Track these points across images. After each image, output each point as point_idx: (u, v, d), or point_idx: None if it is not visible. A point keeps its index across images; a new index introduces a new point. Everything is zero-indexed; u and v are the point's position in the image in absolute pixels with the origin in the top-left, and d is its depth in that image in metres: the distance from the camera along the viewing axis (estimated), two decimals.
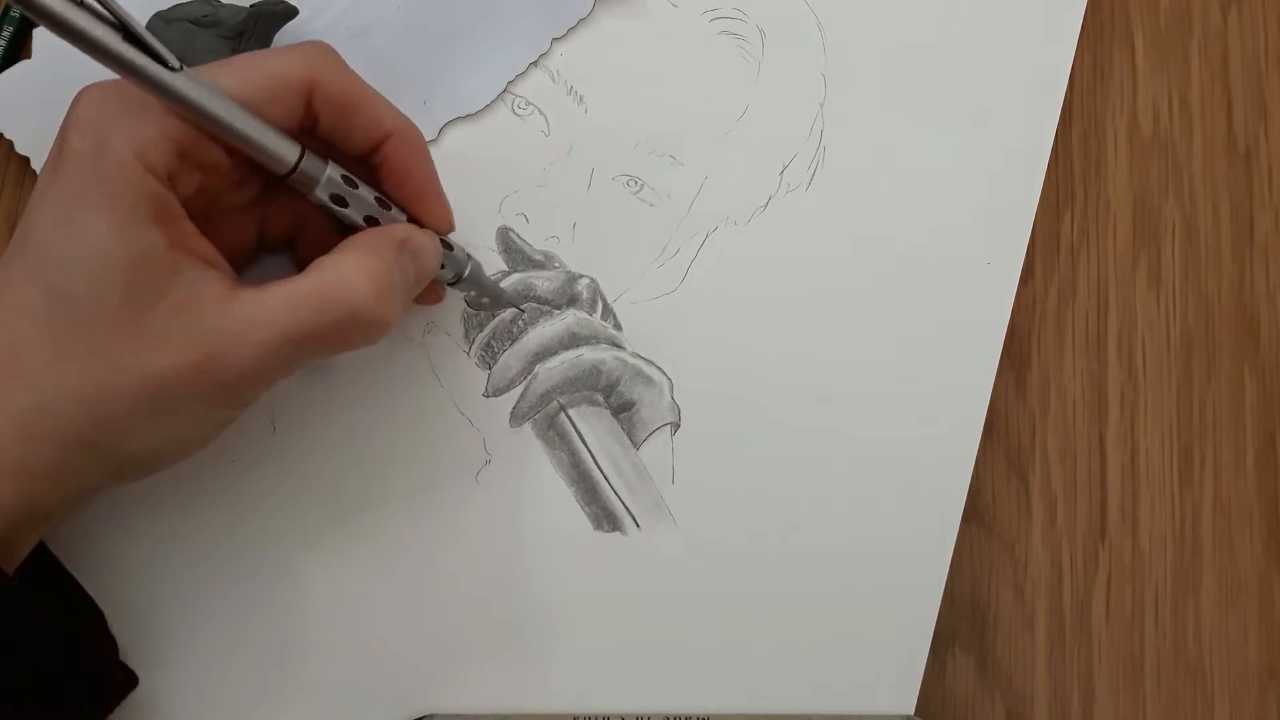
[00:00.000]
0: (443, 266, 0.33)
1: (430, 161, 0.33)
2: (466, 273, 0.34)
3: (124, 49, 0.27)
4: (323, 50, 0.31)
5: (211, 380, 0.29)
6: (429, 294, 0.35)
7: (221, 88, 0.29)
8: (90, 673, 0.31)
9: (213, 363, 0.28)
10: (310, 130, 0.32)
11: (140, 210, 0.28)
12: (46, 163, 0.29)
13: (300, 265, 0.36)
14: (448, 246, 0.34)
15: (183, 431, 0.30)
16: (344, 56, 0.38)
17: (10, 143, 0.38)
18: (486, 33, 0.39)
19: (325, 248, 0.31)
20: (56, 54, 0.38)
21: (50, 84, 0.38)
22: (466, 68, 0.39)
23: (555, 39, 0.39)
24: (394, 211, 0.32)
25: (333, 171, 0.31)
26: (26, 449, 0.28)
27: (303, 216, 0.34)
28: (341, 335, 0.30)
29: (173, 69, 0.28)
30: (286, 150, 0.30)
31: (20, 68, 0.38)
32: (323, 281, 0.30)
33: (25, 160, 0.38)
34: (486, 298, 0.37)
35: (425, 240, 0.32)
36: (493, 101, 0.39)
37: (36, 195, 0.29)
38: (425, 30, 0.39)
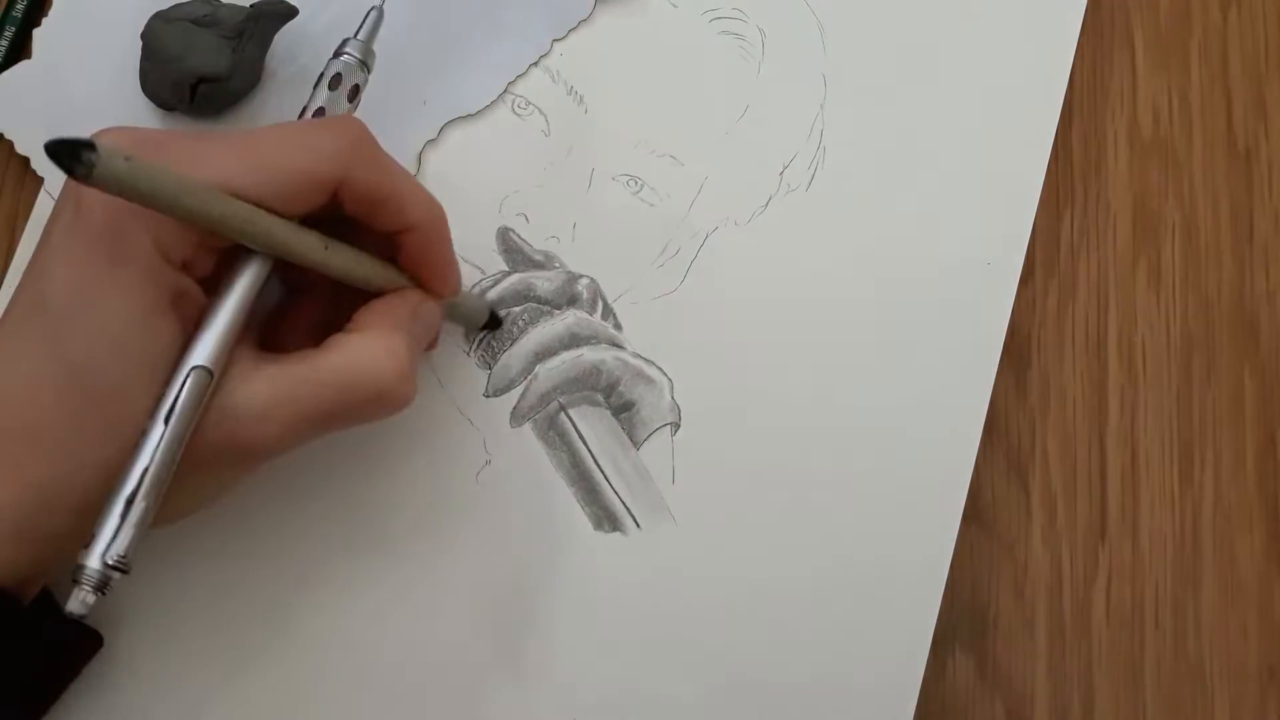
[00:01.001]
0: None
1: (449, 245, 0.33)
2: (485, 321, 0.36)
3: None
4: (356, 141, 0.30)
5: (232, 458, 0.29)
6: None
7: (238, 184, 0.28)
8: (53, 635, 0.31)
9: (234, 442, 0.29)
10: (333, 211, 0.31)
11: (162, 301, 0.28)
12: (57, 216, 0.29)
13: (283, 279, 0.35)
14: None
15: (198, 496, 0.31)
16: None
17: (11, 143, 0.38)
18: (487, 33, 0.39)
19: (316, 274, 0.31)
20: (57, 54, 0.38)
21: (51, 84, 0.38)
22: (467, 68, 0.39)
23: (556, 39, 0.39)
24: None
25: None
26: (45, 516, 0.28)
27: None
28: (364, 414, 0.31)
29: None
30: (315, 251, 0.30)
31: (21, 68, 0.38)
32: (347, 363, 0.30)
33: (25, 160, 0.38)
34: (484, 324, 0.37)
35: (434, 307, 0.33)
36: (493, 102, 0.39)
37: (52, 256, 0.28)
38: (425, 30, 0.39)
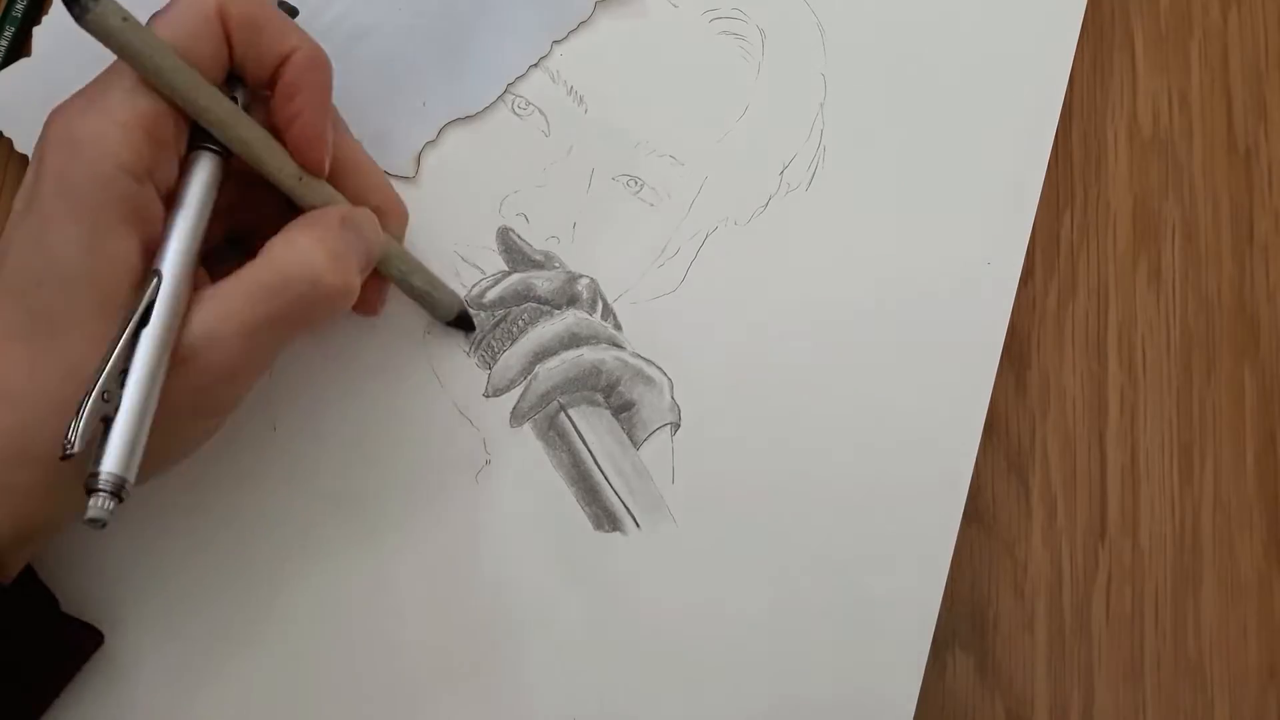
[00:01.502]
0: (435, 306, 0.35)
1: (325, 88, 0.32)
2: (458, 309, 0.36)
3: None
4: None
5: (190, 385, 0.29)
6: (367, 303, 0.35)
7: (162, 39, 0.29)
8: (54, 634, 0.32)
9: (188, 366, 0.29)
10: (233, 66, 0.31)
11: (111, 215, 0.28)
12: (21, 189, 0.29)
13: (234, 240, 0.36)
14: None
15: (166, 441, 0.30)
16: (345, 57, 0.38)
17: (10, 141, 0.38)
18: (487, 34, 0.39)
19: (263, 219, 0.32)
20: (57, 53, 0.38)
21: (51, 83, 0.38)
22: (466, 69, 0.39)
23: (556, 41, 0.39)
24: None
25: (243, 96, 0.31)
26: (13, 469, 0.28)
27: (270, 215, 0.34)
28: (307, 310, 0.30)
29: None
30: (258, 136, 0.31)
31: (21, 66, 0.38)
32: (277, 260, 0.30)
33: (25, 159, 0.38)
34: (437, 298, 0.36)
35: (365, 215, 0.33)
36: (493, 103, 0.39)
37: (13, 219, 0.29)
38: (426, 31, 0.39)
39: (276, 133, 0.32)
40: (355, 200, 0.33)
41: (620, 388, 0.37)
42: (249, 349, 0.29)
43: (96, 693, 0.34)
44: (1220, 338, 0.40)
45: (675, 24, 0.40)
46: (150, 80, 0.29)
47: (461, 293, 0.37)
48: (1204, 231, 0.41)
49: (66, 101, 0.29)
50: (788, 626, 0.36)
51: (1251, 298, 0.40)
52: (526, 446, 0.37)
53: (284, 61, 0.31)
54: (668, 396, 0.37)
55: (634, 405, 0.37)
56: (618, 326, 0.38)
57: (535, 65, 0.39)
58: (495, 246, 0.38)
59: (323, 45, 0.38)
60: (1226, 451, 0.39)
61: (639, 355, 0.38)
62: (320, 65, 0.32)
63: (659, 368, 0.38)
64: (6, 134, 0.38)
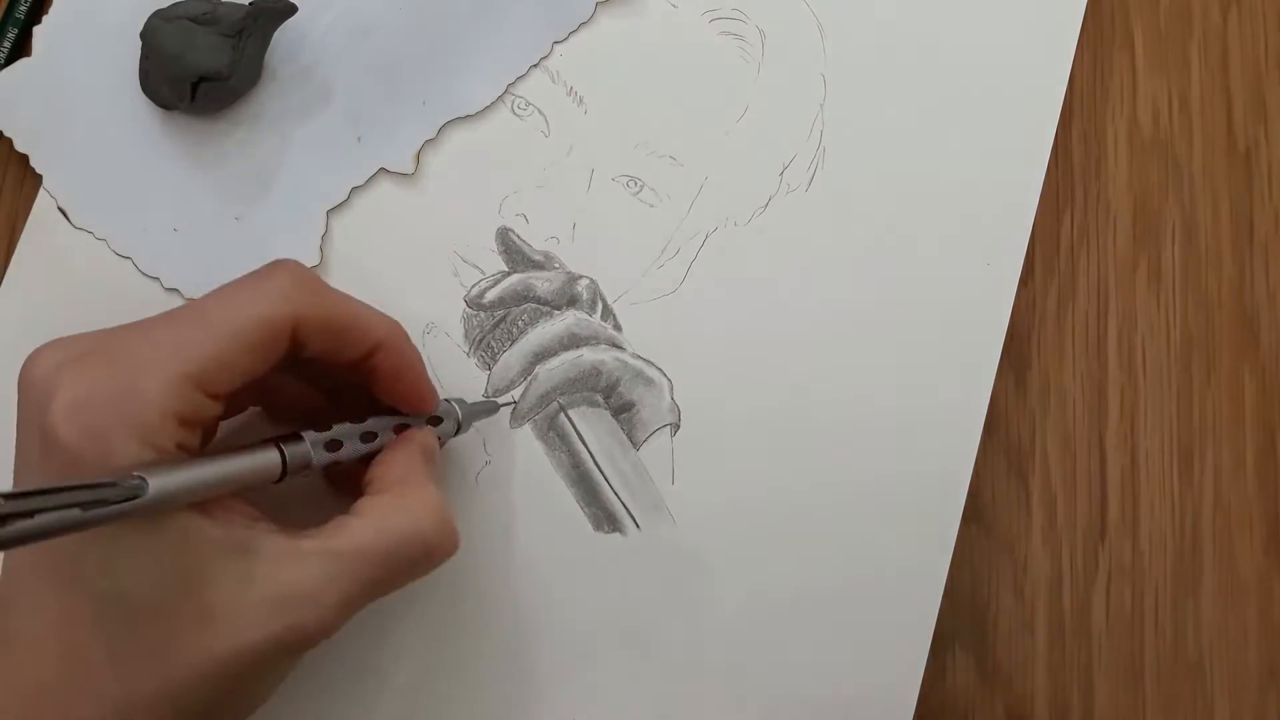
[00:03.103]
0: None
1: (418, 359, 0.32)
2: (463, 425, 0.35)
3: (89, 515, 0.24)
4: (299, 280, 0.30)
5: (294, 647, 0.28)
6: None
7: (195, 354, 0.27)
8: None
9: (294, 633, 0.27)
10: (298, 354, 0.30)
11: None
12: (27, 452, 0.27)
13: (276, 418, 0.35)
14: (435, 420, 0.34)
15: (258, 693, 0.30)
16: (345, 56, 0.39)
17: (10, 140, 0.38)
18: (487, 34, 0.39)
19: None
20: (57, 52, 0.38)
21: (51, 83, 0.38)
22: (467, 69, 0.39)
23: (556, 41, 0.39)
24: (380, 437, 0.32)
25: (317, 450, 0.30)
26: None
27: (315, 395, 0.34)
28: (415, 573, 0.30)
29: (134, 499, 0.25)
30: (268, 463, 0.29)
31: (21, 66, 0.38)
32: (388, 529, 0.29)
33: (25, 158, 0.38)
34: (488, 413, 0.37)
35: (433, 438, 0.33)
36: (493, 103, 0.39)
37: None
38: (426, 31, 0.39)
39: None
40: (401, 394, 0.33)
41: (620, 388, 0.37)
42: (349, 611, 0.29)
43: None
44: (1220, 338, 0.40)
45: (675, 24, 0.40)
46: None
47: (461, 293, 0.37)
48: (1204, 231, 0.41)
49: (57, 350, 0.27)
50: (787, 626, 0.36)
51: (1251, 298, 0.40)
52: (526, 447, 0.37)
53: (370, 354, 0.31)
54: (667, 397, 0.37)
55: (634, 406, 0.37)
56: (618, 327, 0.38)
57: (535, 65, 0.39)
58: (495, 246, 0.38)
59: (323, 45, 0.38)
60: (1226, 451, 0.39)
61: (639, 356, 0.38)
62: (406, 345, 0.32)
63: (659, 368, 0.38)
64: (7, 133, 0.38)
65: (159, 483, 0.25)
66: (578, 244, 0.38)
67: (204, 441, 0.30)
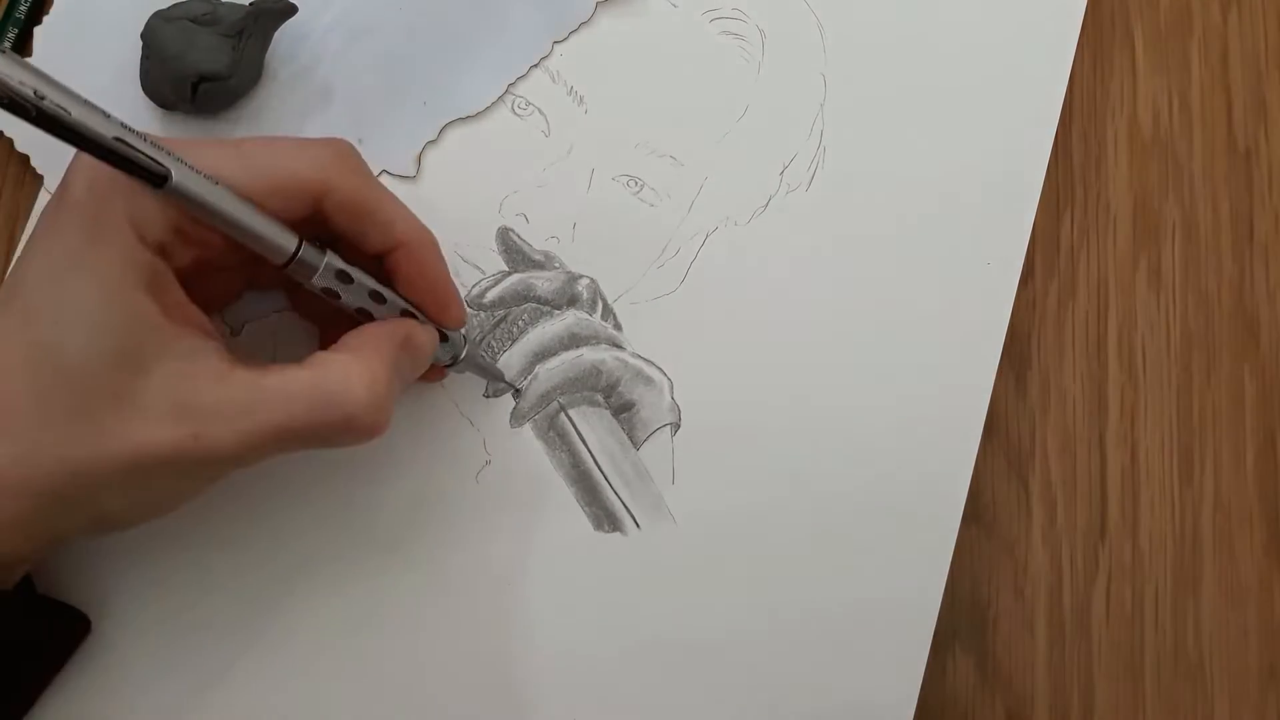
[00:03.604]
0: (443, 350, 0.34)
1: (443, 265, 0.33)
2: (463, 355, 0.35)
3: (118, 147, 0.26)
4: (340, 153, 0.31)
5: (193, 458, 0.28)
6: (429, 373, 0.35)
7: (227, 175, 0.29)
8: (40, 619, 0.32)
9: (197, 442, 0.28)
10: (319, 226, 0.31)
11: (132, 276, 0.28)
12: (47, 207, 0.29)
13: (293, 305, 0.36)
14: (443, 337, 0.34)
15: (156, 496, 0.30)
16: (345, 56, 0.39)
17: (10, 140, 0.38)
18: (487, 34, 0.39)
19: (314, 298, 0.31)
20: (57, 53, 0.38)
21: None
22: (467, 69, 0.39)
23: (556, 41, 0.39)
24: (389, 303, 0.32)
25: (330, 262, 0.30)
26: (7, 500, 0.28)
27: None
28: (331, 436, 0.30)
29: (162, 176, 0.27)
30: (284, 241, 0.30)
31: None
32: (321, 382, 0.29)
33: (25, 158, 0.38)
34: (485, 378, 0.37)
35: (425, 337, 0.32)
36: (493, 103, 0.39)
37: (31, 244, 0.29)
38: (426, 31, 0.39)
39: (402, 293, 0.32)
40: (425, 302, 0.33)
41: (620, 388, 0.37)
42: (258, 446, 0.29)
43: (86, 680, 0.34)
44: (1220, 338, 0.40)
45: (675, 24, 0.40)
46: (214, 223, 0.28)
47: (462, 293, 0.37)
48: (1204, 231, 0.41)
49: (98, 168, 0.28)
50: (787, 627, 0.36)
51: (1251, 298, 0.40)
52: (527, 447, 0.37)
53: (393, 251, 0.31)
54: (668, 397, 0.37)
55: (634, 405, 0.37)
56: (618, 327, 0.38)
57: (535, 65, 0.39)
58: (495, 246, 0.38)
59: (323, 44, 0.38)
60: (1226, 451, 0.39)
61: (639, 355, 0.38)
62: (432, 247, 0.32)
63: (659, 368, 0.38)
64: (7, 134, 0.38)
65: (182, 176, 0.27)
66: (578, 244, 0.38)
67: (182, 276, 0.30)
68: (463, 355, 0.35)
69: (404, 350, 0.31)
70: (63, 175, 0.28)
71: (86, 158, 0.27)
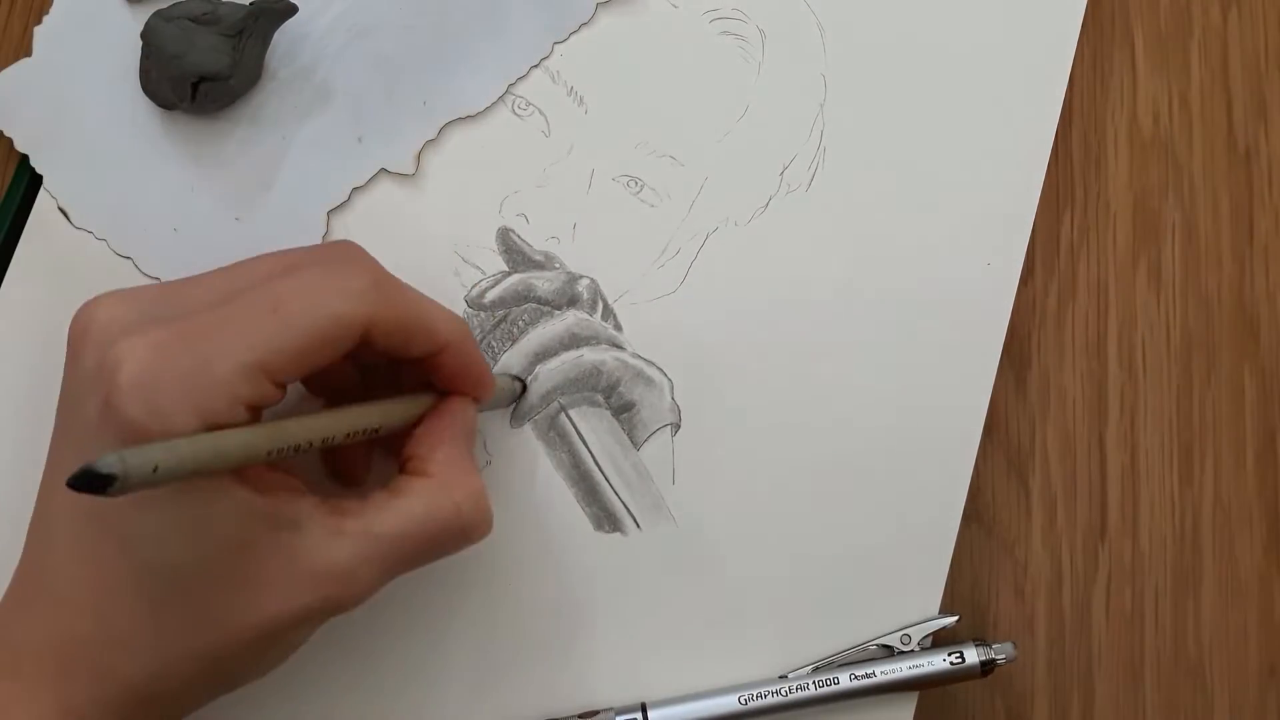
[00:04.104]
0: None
1: (481, 357, 0.33)
2: (531, 398, 0.36)
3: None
4: (377, 282, 0.30)
5: (327, 616, 0.29)
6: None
7: (272, 344, 0.27)
8: None
9: (329, 604, 0.29)
10: (364, 347, 0.30)
11: (223, 478, 0.27)
12: (79, 409, 0.27)
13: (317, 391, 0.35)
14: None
15: (289, 652, 0.31)
16: (345, 56, 0.39)
17: (10, 140, 0.38)
18: (488, 34, 0.39)
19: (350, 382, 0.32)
20: (57, 52, 0.38)
21: (51, 82, 0.38)
22: (467, 69, 0.39)
23: (557, 42, 0.39)
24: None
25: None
26: (142, 712, 0.28)
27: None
28: (450, 551, 0.31)
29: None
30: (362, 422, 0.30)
31: (20, 65, 0.38)
32: (429, 511, 0.30)
33: (24, 159, 0.38)
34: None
35: (474, 416, 0.33)
36: (493, 103, 0.39)
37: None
38: (426, 31, 0.39)
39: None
40: (468, 388, 0.33)
41: (620, 388, 0.37)
42: (382, 585, 0.30)
43: None
44: (1220, 338, 0.40)
45: (675, 24, 0.40)
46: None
47: (462, 293, 0.37)
48: (1204, 231, 0.41)
49: (120, 316, 0.28)
50: (788, 628, 0.36)
51: (1251, 298, 0.40)
52: (527, 447, 0.37)
53: (437, 353, 0.31)
54: (668, 397, 0.37)
55: (634, 406, 0.37)
56: (618, 327, 0.38)
57: (536, 66, 0.39)
58: (495, 246, 0.38)
59: (323, 45, 0.38)
60: (1226, 451, 0.39)
61: (639, 356, 0.38)
62: (471, 344, 0.32)
63: (659, 368, 0.38)
64: (7, 133, 0.38)
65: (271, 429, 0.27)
66: (578, 244, 0.38)
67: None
68: (531, 398, 0.36)
69: (470, 441, 0.32)
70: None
71: (125, 357, 0.26)
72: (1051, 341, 0.40)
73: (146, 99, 0.38)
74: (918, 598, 0.36)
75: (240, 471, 0.28)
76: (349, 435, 0.30)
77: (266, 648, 0.29)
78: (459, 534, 0.30)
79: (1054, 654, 0.38)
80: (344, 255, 0.31)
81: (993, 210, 0.39)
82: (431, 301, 0.32)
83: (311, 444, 0.28)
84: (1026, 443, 0.39)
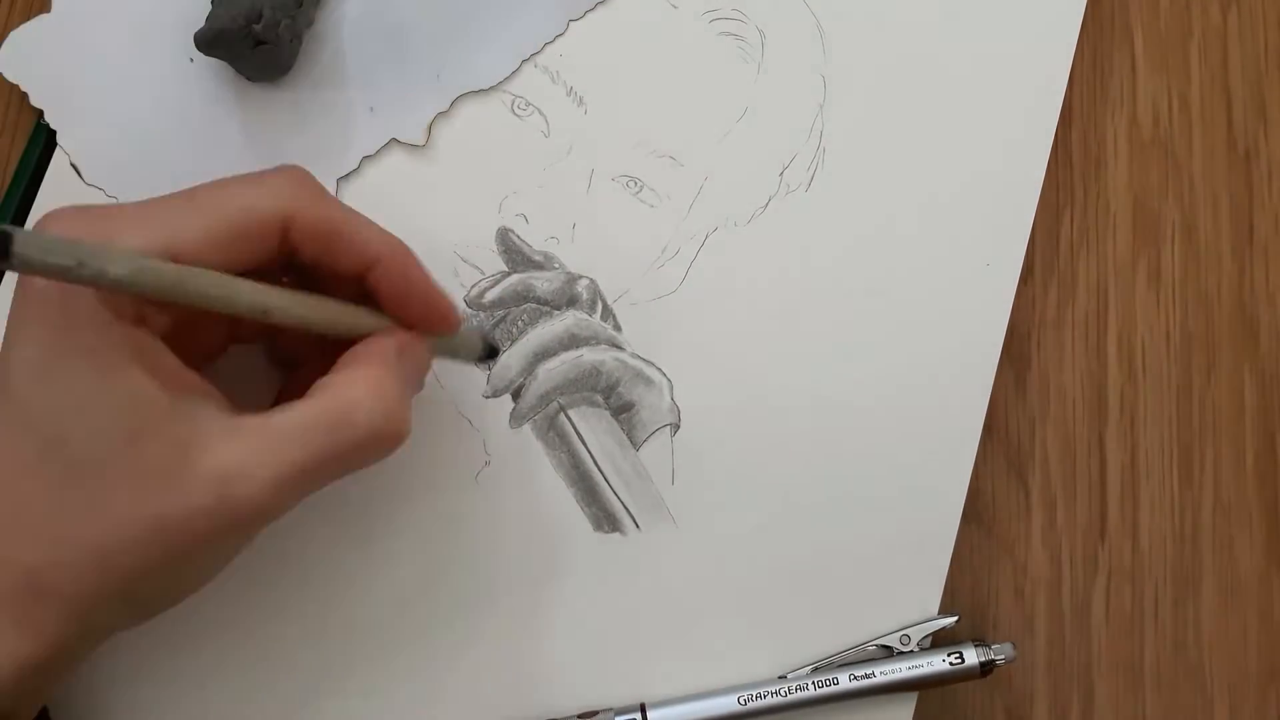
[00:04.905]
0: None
1: (425, 274, 0.31)
2: (500, 349, 0.35)
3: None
4: (297, 180, 0.30)
5: (224, 522, 0.27)
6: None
7: (184, 231, 0.27)
8: None
9: (224, 504, 0.27)
10: (291, 259, 0.30)
11: (116, 354, 0.27)
12: (12, 305, 0.28)
13: (275, 360, 0.35)
14: (490, 352, 0.35)
15: (192, 571, 0.29)
16: (361, 29, 0.39)
17: (26, 95, 0.38)
18: (502, 8, 0.39)
19: (303, 341, 0.30)
20: (76, 8, 0.38)
21: (69, 38, 0.38)
22: (482, 43, 0.39)
23: (572, 20, 0.39)
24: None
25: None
26: (40, 606, 0.27)
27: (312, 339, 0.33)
28: (355, 457, 0.29)
29: (117, 277, 0.25)
30: (260, 296, 0.28)
31: (39, 21, 0.38)
32: (330, 404, 0.28)
33: (40, 113, 0.38)
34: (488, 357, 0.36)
35: (420, 344, 0.32)
36: (508, 76, 0.39)
37: (7, 343, 0.28)
38: (441, 4, 0.39)
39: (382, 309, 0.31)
40: (409, 316, 0.32)
41: (620, 389, 0.37)
42: (287, 491, 0.28)
43: (85, 677, 0.34)
44: (1220, 338, 0.40)
45: (675, 24, 0.40)
46: (98, 286, 0.26)
47: (461, 293, 0.37)
48: (1204, 231, 0.41)
49: (62, 217, 0.28)
50: (788, 627, 0.36)
51: (1251, 298, 0.40)
52: (526, 447, 0.37)
53: (371, 269, 0.30)
54: (667, 397, 0.37)
55: (634, 406, 0.37)
56: (617, 327, 0.38)
57: (535, 65, 0.39)
58: (495, 247, 0.38)
59: (339, 15, 0.39)
60: (1226, 451, 0.39)
61: (639, 356, 0.38)
62: (409, 257, 0.31)
63: (659, 368, 0.38)
64: (24, 88, 0.38)
65: (146, 267, 0.26)
66: (578, 244, 0.38)
67: (199, 360, 0.30)
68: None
69: (402, 355, 0.31)
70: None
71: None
72: (1051, 341, 0.40)
73: (161, 59, 0.37)
74: (918, 598, 0.36)
75: (148, 361, 0.27)
76: (264, 313, 0.28)
77: (164, 552, 0.27)
78: (367, 438, 0.28)
79: (1054, 654, 0.38)
80: (276, 167, 0.31)
81: (993, 210, 0.39)
82: (366, 218, 0.31)
83: (213, 304, 0.27)
84: (1026, 443, 0.39)
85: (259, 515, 0.28)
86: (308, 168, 0.37)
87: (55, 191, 0.37)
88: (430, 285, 0.31)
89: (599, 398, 0.37)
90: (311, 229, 0.29)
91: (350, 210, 0.31)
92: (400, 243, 0.31)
